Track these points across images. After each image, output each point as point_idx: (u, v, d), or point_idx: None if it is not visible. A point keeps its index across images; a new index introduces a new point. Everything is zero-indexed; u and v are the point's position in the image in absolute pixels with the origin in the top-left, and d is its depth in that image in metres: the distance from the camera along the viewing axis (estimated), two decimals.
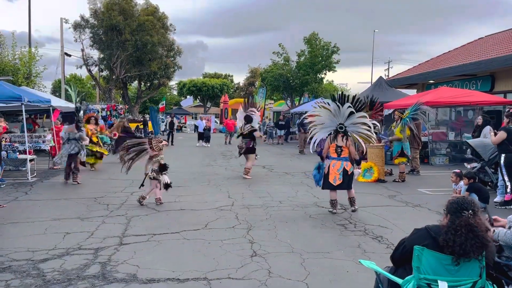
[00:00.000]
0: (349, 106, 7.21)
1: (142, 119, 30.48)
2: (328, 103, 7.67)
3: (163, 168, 7.81)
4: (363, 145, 7.67)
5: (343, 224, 6.56)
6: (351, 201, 7.42)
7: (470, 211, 2.70)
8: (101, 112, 23.07)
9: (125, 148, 7.81)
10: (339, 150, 7.24)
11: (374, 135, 7.59)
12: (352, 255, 5.09)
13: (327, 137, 7.59)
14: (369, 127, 7.33)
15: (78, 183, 10.02)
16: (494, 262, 2.83)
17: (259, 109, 12.59)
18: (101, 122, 16.75)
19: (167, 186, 7.89)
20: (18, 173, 11.19)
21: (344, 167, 7.20)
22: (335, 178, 7.19)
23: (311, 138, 7.92)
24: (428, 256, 2.65)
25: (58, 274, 4.44)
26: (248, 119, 11.50)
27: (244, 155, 11.50)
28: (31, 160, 11.04)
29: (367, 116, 7.50)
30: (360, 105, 7.44)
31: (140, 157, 7.81)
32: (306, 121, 8.17)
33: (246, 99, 12.63)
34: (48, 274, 4.42)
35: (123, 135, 13.94)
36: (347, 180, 7.23)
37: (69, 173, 10.13)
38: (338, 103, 7.29)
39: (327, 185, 7.33)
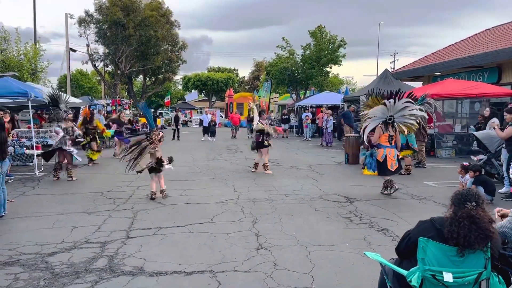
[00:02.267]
0: (407, 101, 8.06)
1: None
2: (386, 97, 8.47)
3: (160, 162, 7.89)
4: (406, 132, 8.58)
5: (348, 217, 6.56)
6: (392, 184, 8.20)
7: (473, 203, 2.71)
8: (106, 107, 23.16)
9: (128, 149, 7.90)
10: (391, 139, 8.10)
11: (417, 125, 8.59)
12: (357, 247, 5.10)
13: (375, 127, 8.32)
14: (416, 118, 8.27)
15: (73, 179, 9.95)
16: (499, 254, 2.83)
17: (260, 102, 12.54)
18: (100, 117, 16.82)
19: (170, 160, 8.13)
20: (25, 168, 11.27)
21: (396, 154, 8.14)
22: (392, 164, 8.05)
23: (364, 128, 8.69)
24: (433, 248, 2.66)
25: (66, 267, 4.50)
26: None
27: (257, 150, 11.31)
28: (38, 155, 11.12)
29: (417, 109, 8.30)
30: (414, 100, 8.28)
31: (143, 155, 7.81)
32: (361, 114, 9.08)
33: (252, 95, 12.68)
34: (57, 267, 4.48)
35: (119, 129, 14.05)
36: (399, 165, 8.23)
37: (57, 169, 10.11)
38: (395, 99, 8.08)
39: (384, 171, 8.13)
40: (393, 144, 8.12)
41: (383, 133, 8.08)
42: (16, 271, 4.39)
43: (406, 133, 8.74)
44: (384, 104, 8.09)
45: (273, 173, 10.85)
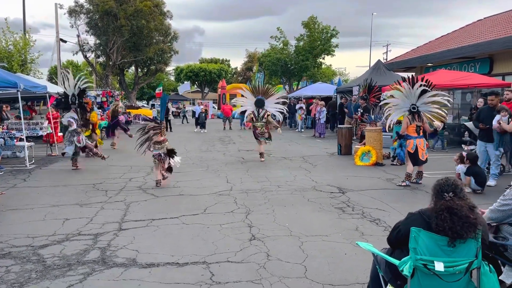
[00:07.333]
0: (421, 85, 7.96)
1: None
2: (399, 82, 8.60)
3: (171, 152, 8.33)
4: (438, 123, 8.62)
5: (341, 207, 6.59)
6: (421, 175, 8.30)
7: (451, 193, 2.72)
8: (97, 98, 22.90)
9: (145, 130, 8.18)
10: (419, 129, 8.11)
11: (444, 113, 8.43)
12: (350, 237, 5.13)
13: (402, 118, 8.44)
14: (439, 104, 8.18)
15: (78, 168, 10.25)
16: (490, 242, 2.85)
17: (270, 92, 12.19)
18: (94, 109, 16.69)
19: (170, 169, 8.37)
20: (16, 160, 11.17)
21: (426, 143, 8.27)
22: (423, 153, 8.09)
23: (386, 118, 8.88)
24: (425, 237, 2.67)
25: (58, 259, 4.47)
26: (259, 104, 11.54)
27: (261, 139, 11.63)
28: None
29: (438, 94, 8.21)
30: (429, 86, 8.10)
31: (153, 139, 8.15)
32: (384, 102, 9.16)
33: (254, 85, 12.39)
34: (48, 260, 4.46)
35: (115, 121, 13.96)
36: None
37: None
38: (409, 84, 8.07)
39: (416, 162, 8.15)
40: (421, 134, 8.13)
41: (410, 124, 8.10)
42: (7, 263, 4.35)
43: (440, 123, 8.76)
44: (402, 86, 8.14)
45: (265, 163, 10.88)
